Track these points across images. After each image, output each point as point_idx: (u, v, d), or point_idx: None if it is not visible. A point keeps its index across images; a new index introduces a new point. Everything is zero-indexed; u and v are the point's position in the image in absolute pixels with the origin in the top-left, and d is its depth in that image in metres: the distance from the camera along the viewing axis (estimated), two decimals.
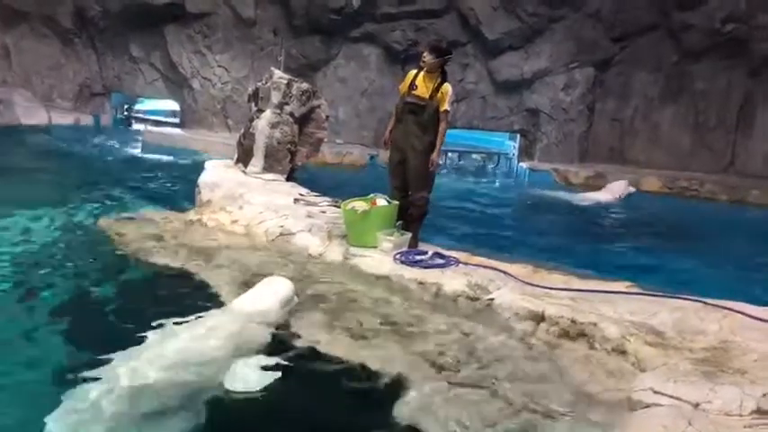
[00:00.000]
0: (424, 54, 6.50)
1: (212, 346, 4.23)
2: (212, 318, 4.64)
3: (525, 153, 17.41)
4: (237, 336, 4.43)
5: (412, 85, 6.56)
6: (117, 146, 16.12)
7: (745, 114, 16.12)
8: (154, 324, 4.49)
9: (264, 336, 4.60)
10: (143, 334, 4.31)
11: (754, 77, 15.84)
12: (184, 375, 3.90)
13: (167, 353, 4.04)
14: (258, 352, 4.37)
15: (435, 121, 6.50)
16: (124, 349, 4.07)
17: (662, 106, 16.65)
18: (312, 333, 4.77)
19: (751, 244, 10.51)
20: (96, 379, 3.72)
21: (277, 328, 4.77)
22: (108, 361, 3.92)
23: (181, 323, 4.51)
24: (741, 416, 3.46)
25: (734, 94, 16.10)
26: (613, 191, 13.93)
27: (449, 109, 6.50)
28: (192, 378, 3.90)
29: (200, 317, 4.63)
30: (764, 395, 3.60)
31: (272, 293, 4.99)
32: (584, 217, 12.23)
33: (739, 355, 4.29)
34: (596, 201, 13.43)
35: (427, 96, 6.46)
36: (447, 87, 6.48)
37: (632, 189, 14.22)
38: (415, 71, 6.65)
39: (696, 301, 5.29)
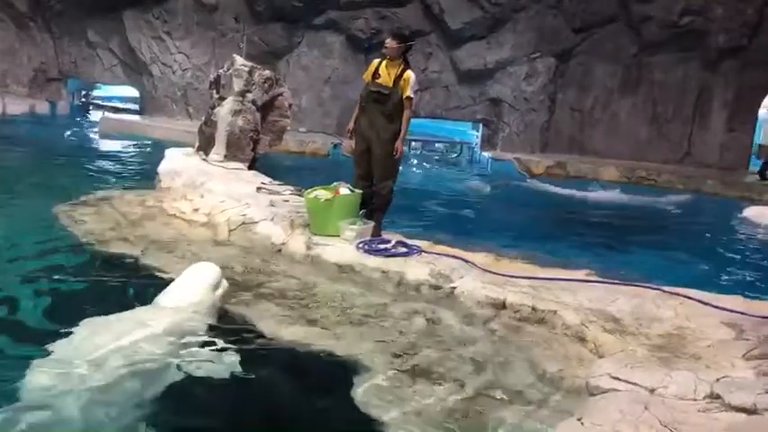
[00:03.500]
0: (387, 41, 6.54)
1: (152, 343, 4.04)
2: (146, 313, 4.46)
3: (488, 142, 17.51)
4: (178, 328, 4.27)
5: (375, 74, 6.57)
6: (74, 133, 15.79)
7: (702, 106, 16.44)
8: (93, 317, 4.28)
9: (204, 325, 4.47)
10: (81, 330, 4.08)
11: (710, 69, 16.16)
12: (128, 374, 3.71)
13: (104, 352, 3.82)
14: (201, 342, 4.24)
15: (400, 110, 6.52)
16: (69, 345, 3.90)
17: (621, 97, 16.89)
18: (273, 322, 4.75)
19: (705, 233, 10.78)
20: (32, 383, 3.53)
21: (222, 316, 4.70)
22: (46, 359, 3.74)
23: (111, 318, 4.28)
24: (695, 400, 3.54)
25: (690, 85, 16.40)
26: None
27: (412, 96, 6.52)
28: (136, 377, 3.71)
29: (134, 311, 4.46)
30: (718, 380, 3.70)
31: (200, 281, 4.79)
32: (546, 207, 12.37)
33: (694, 341, 4.40)
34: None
35: (391, 84, 6.47)
36: (409, 74, 6.50)
37: None
38: (378, 60, 6.67)
39: (653, 288, 5.40)
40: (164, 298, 4.65)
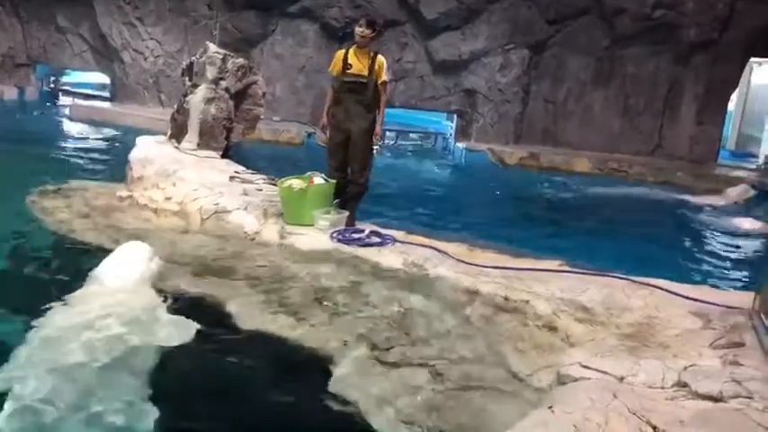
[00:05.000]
0: (362, 30, 6.44)
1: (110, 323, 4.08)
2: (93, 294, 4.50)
3: (462, 133, 17.55)
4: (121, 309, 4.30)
5: (346, 65, 6.50)
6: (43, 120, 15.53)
7: (672, 99, 16.62)
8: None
9: (140, 304, 4.49)
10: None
11: (682, 63, 16.34)
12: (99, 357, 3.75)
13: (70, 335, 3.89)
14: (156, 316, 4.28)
15: (377, 97, 6.53)
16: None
17: (594, 89, 16.99)
18: (246, 311, 4.73)
19: (675, 224, 10.93)
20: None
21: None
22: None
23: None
24: (663, 388, 3.60)
25: (662, 78, 16.55)
26: (731, 196, 13.13)
27: (387, 80, 6.57)
28: (107, 359, 3.76)
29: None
30: (686, 369, 3.76)
31: (135, 260, 4.84)
32: (518, 197, 12.45)
33: (662, 331, 4.46)
34: (712, 205, 12.70)
35: (366, 72, 6.45)
36: (382, 59, 6.52)
37: (752, 192, 13.21)
38: (343, 50, 6.63)
39: (623, 278, 5.47)
40: (97, 278, 4.67)
